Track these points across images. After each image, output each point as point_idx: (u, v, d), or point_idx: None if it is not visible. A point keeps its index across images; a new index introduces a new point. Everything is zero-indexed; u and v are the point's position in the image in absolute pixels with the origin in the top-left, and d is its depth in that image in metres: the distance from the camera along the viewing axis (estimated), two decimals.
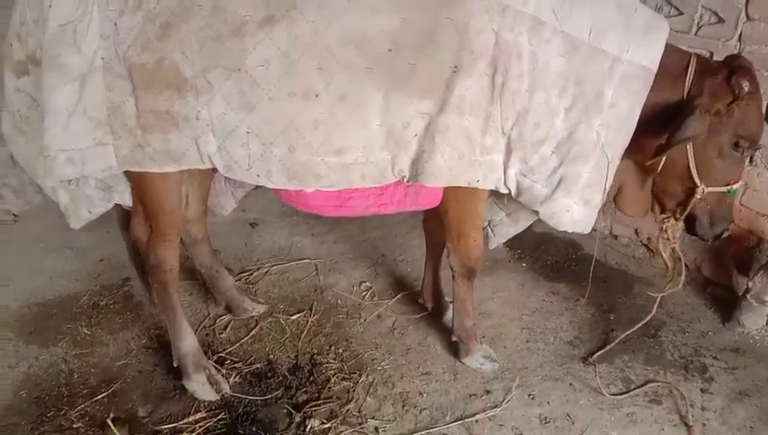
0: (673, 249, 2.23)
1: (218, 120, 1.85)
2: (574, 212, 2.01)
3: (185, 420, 2.31)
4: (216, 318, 2.82)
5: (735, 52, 2.54)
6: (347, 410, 2.34)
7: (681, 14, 2.66)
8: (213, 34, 1.77)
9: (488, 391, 2.44)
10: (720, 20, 2.56)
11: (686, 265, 2.93)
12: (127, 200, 2.23)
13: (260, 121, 1.84)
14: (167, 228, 2.22)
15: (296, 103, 1.82)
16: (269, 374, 2.53)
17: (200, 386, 2.39)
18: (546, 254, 3.31)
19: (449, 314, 2.69)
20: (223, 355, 2.61)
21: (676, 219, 2.18)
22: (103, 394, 2.41)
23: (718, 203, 2.10)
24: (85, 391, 2.44)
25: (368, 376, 2.51)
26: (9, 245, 3.31)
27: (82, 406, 2.35)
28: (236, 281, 2.99)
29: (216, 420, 2.31)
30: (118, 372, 2.53)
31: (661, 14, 2.68)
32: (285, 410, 2.35)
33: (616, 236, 3.35)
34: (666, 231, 2.22)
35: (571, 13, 1.87)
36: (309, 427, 2.27)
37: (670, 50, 1.95)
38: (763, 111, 2.02)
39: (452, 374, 2.52)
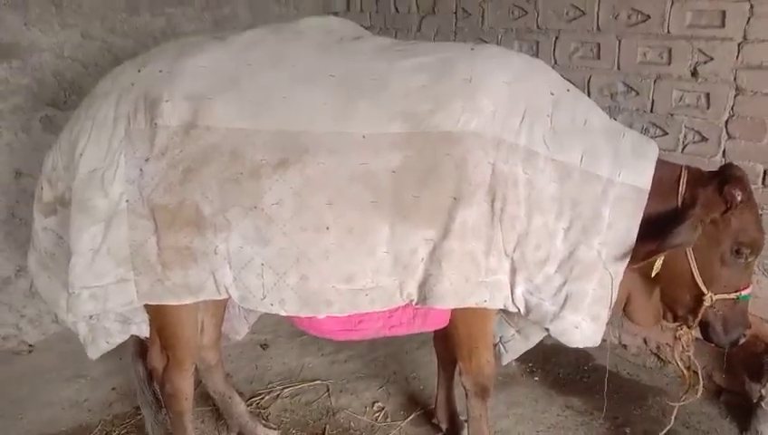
0: (689, 357, 2.26)
1: (235, 253, 1.96)
2: (583, 328, 2.06)
3: None
4: None
5: None
6: None
7: (666, 134, 2.84)
8: (232, 177, 1.92)
9: None
10: (703, 139, 2.73)
11: (697, 373, 2.95)
12: (144, 332, 2.30)
13: (274, 254, 1.95)
14: (183, 357, 2.27)
15: (308, 236, 1.93)
16: None
17: None
18: (558, 366, 3.31)
19: (465, 434, 2.67)
20: None
21: (689, 327, 2.21)
22: None
23: (730, 309, 2.13)
24: None
25: None
26: (24, 376, 3.33)
27: None
28: (248, 405, 2.99)
29: None
30: None
31: (648, 134, 2.87)
32: None
33: (625, 346, 3.36)
34: (679, 339, 2.25)
35: (562, 142, 2.02)
36: None
37: (661, 164, 2.07)
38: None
39: None
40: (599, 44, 2.94)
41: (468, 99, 1.97)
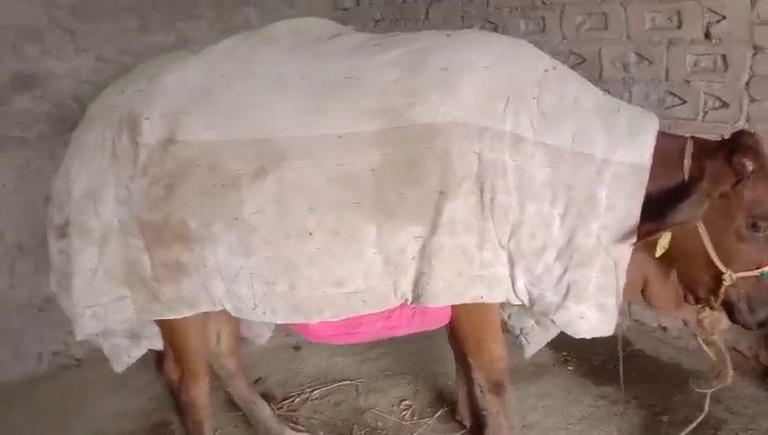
0: (714, 341, 2.11)
1: (224, 265, 1.97)
2: (589, 318, 1.96)
3: None
4: None
5: None
6: None
7: (684, 102, 2.66)
8: (211, 190, 1.93)
9: None
10: (724, 104, 2.54)
11: (742, 353, 2.76)
12: (156, 344, 2.35)
13: (261, 263, 1.94)
14: (195, 369, 2.31)
15: (292, 243, 1.92)
16: None
17: None
18: (594, 354, 3.17)
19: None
20: None
21: (712, 308, 2.08)
22: None
23: (754, 287, 1.98)
24: None
25: None
26: (71, 389, 3.47)
27: None
28: (279, 408, 3.05)
29: None
30: None
31: (665, 104, 2.70)
32: None
33: (665, 329, 3.19)
34: (702, 322, 2.12)
35: (550, 124, 1.92)
36: None
37: (663, 138, 1.95)
38: None
39: None
40: (605, 14, 2.78)
41: (446, 88, 1.91)
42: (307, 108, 1.92)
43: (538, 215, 1.93)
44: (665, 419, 2.67)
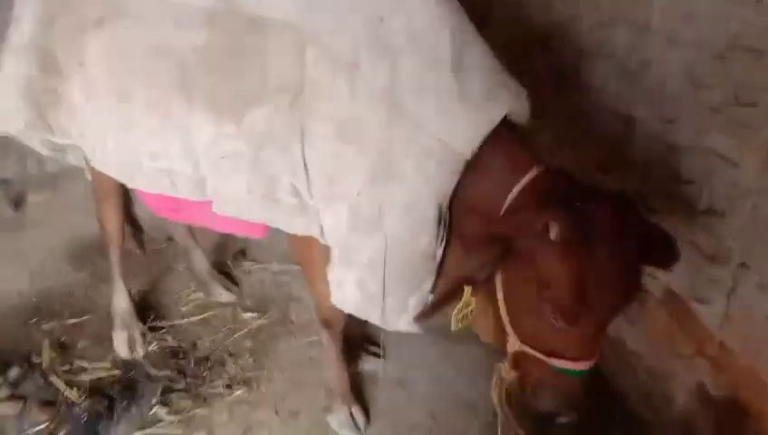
0: (500, 398, 1.67)
1: (79, 107, 2.04)
2: (346, 290, 1.75)
3: (93, 365, 2.61)
4: (195, 290, 3.03)
5: None
6: (194, 415, 2.40)
7: None
8: (71, 29, 1.96)
9: None
10: None
11: None
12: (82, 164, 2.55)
13: (96, 114, 1.98)
14: (99, 191, 2.49)
15: (115, 103, 1.91)
16: (181, 356, 2.68)
17: (119, 342, 2.65)
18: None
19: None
20: (163, 325, 2.83)
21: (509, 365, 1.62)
22: (73, 321, 2.84)
23: (546, 374, 1.49)
24: (67, 312, 2.87)
25: (249, 393, 2.49)
26: None
27: (55, 323, 2.80)
28: (240, 266, 3.20)
29: (109, 373, 2.57)
30: (97, 306, 2.91)
31: None
32: (160, 390, 2.47)
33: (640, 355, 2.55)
34: (496, 372, 1.68)
35: (386, 56, 1.58)
36: (156, 413, 2.40)
37: (519, 144, 1.57)
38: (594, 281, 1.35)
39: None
40: None
41: None
42: None
43: (341, 157, 1.65)
44: None
